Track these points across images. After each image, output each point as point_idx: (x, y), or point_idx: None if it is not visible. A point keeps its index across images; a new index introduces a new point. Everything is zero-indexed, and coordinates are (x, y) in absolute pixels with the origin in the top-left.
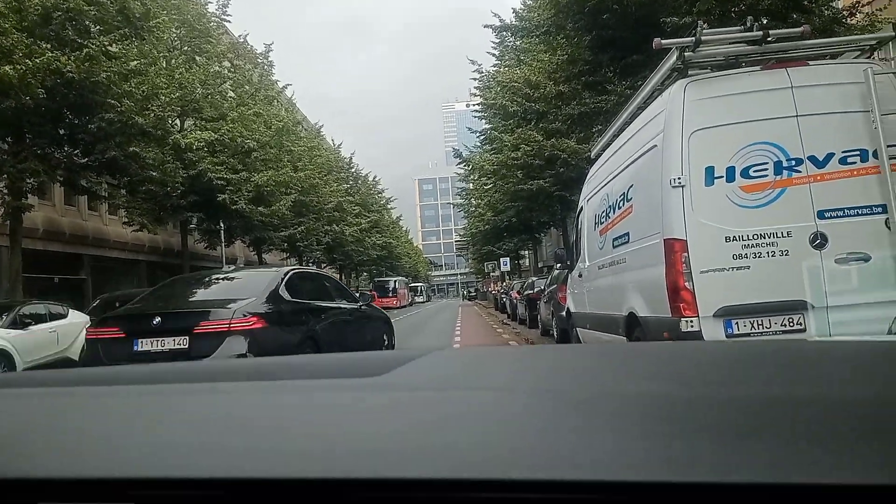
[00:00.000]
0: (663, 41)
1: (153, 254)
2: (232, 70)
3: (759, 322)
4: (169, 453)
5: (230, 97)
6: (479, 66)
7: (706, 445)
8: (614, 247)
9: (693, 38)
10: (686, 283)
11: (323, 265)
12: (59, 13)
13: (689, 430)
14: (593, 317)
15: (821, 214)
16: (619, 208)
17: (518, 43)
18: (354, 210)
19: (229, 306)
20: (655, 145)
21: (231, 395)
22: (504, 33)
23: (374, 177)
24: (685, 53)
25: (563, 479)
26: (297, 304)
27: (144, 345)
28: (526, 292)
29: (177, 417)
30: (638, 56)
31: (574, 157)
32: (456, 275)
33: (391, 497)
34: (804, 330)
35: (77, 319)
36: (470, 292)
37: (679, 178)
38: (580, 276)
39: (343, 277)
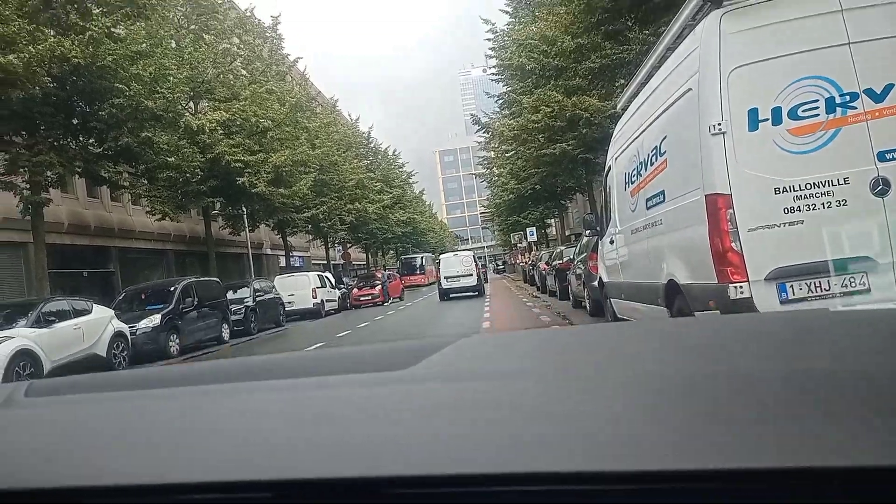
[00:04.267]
0: None
1: (180, 242)
2: (241, 46)
3: (817, 284)
4: (207, 456)
5: (242, 75)
6: (493, 25)
7: (721, 429)
8: (648, 207)
9: None
10: (732, 244)
11: (349, 245)
12: None
13: (704, 413)
14: (629, 286)
15: (881, 156)
16: (652, 164)
17: None
18: (376, 186)
19: None
20: (690, 88)
21: (257, 394)
22: None
23: (395, 150)
24: None
25: (597, 470)
26: None
27: None
28: (555, 263)
29: (206, 419)
30: None
31: (597, 115)
32: (483, 248)
33: (427, 493)
34: (868, 291)
35: (102, 314)
36: (498, 265)
37: (719, 124)
38: (612, 242)
39: (369, 256)
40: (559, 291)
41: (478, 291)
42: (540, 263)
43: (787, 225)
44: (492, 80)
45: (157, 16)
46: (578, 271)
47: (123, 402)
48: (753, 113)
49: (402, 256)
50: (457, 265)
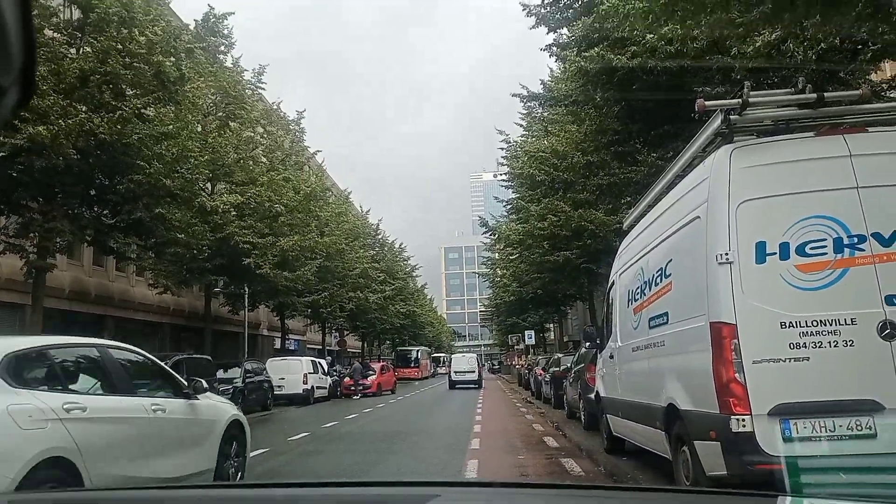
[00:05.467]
0: (707, 102)
1: (178, 316)
2: (264, 136)
3: (822, 424)
4: None
5: (262, 162)
6: (507, 135)
7: None
8: (651, 327)
9: (739, 100)
10: (736, 374)
11: (346, 332)
12: (97, 76)
13: None
14: (626, 404)
15: (889, 300)
16: (656, 285)
17: (545, 114)
18: (379, 277)
19: None
20: (698, 216)
21: None
22: (531, 104)
23: (401, 244)
24: (731, 116)
25: None
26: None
27: None
28: (551, 370)
29: None
30: (669, 127)
31: (602, 228)
32: (479, 346)
33: None
34: (874, 436)
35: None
36: (493, 365)
37: (726, 254)
38: (611, 356)
39: (366, 345)
40: (554, 399)
41: (478, 385)
42: (536, 368)
43: (792, 360)
44: (502, 186)
45: (187, 101)
46: (574, 381)
47: None
48: (761, 246)
49: (398, 348)
50: (464, 363)
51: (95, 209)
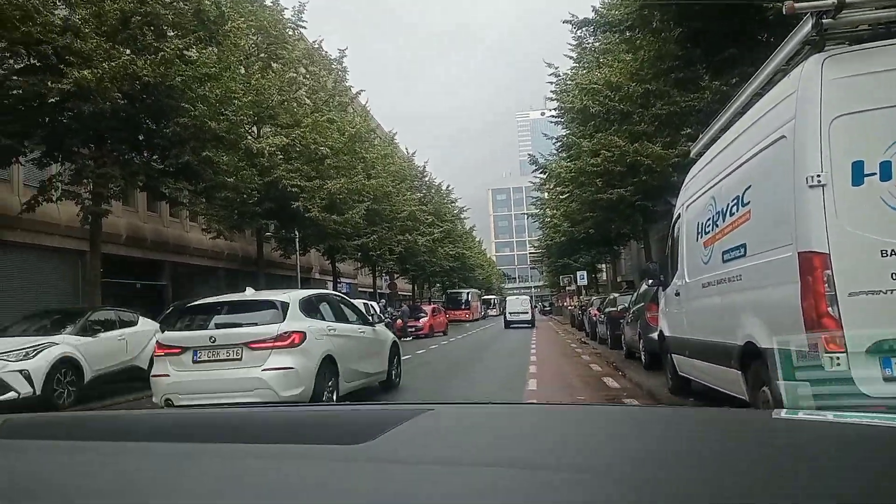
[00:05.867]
0: (797, 4)
1: (232, 261)
2: (307, 76)
3: None
4: None
5: (305, 103)
6: (556, 68)
7: None
8: (725, 261)
9: (833, 1)
10: (829, 308)
11: (396, 275)
12: (138, 17)
13: None
14: (695, 343)
15: None
16: (732, 214)
17: (597, 44)
18: (427, 219)
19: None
20: (783, 136)
21: (205, 459)
22: (582, 35)
23: (448, 186)
24: (823, 20)
25: None
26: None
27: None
28: (607, 310)
29: (146, 485)
30: (735, 50)
31: (659, 163)
32: (530, 288)
33: None
34: None
35: (147, 327)
36: (544, 306)
37: (818, 176)
38: (677, 294)
39: (416, 288)
40: (610, 340)
41: (531, 324)
42: (590, 309)
43: (894, 292)
44: (550, 122)
45: (228, 42)
46: (633, 321)
47: (87, 455)
48: (858, 166)
49: (448, 290)
50: (518, 305)
51: (144, 154)
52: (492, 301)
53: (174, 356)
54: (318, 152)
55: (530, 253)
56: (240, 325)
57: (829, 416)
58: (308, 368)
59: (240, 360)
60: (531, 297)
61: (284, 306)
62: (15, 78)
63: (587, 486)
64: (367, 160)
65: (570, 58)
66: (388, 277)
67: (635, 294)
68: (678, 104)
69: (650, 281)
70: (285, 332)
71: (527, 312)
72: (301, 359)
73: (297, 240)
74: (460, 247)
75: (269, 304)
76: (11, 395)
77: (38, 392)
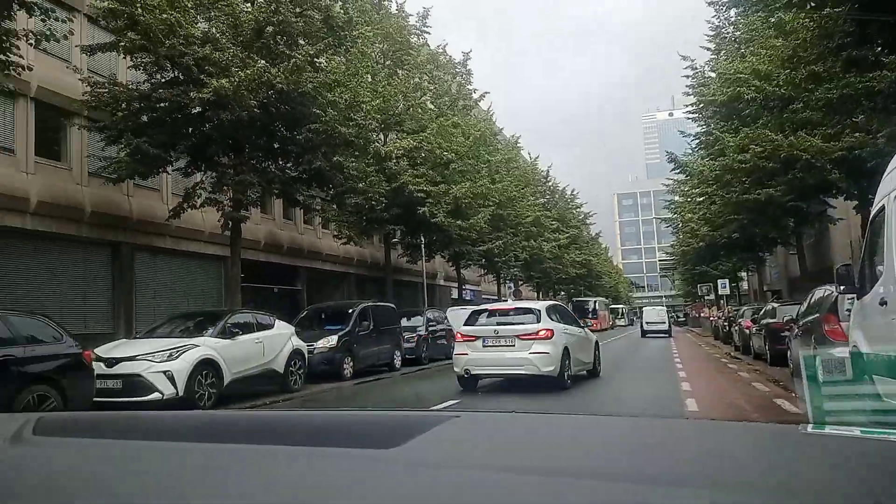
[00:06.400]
0: None
1: (361, 267)
2: (431, 81)
3: None
4: None
5: (429, 108)
6: (693, 61)
7: None
8: None
9: None
10: None
11: (520, 282)
12: (271, 27)
13: None
14: None
15: None
16: None
17: (738, 33)
18: (552, 225)
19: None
20: None
21: (238, 459)
22: (720, 24)
23: (573, 190)
24: None
25: None
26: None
27: None
28: (764, 321)
29: (178, 483)
30: None
31: (818, 157)
32: (661, 297)
33: None
34: None
35: (283, 330)
36: (678, 317)
37: None
38: (883, 303)
39: (539, 296)
40: (769, 354)
41: (668, 334)
42: (742, 320)
43: None
44: (687, 120)
45: (356, 50)
46: (803, 334)
47: (117, 451)
48: None
49: (575, 298)
50: (655, 315)
51: (280, 162)
52: (620, 311)
53: (471, 342)
54: (442, 157)
55: (660, 260)
56: (512, 324)
57: (857, 431)
58: (556, 354)
59: (513, 346)
60: (667, 310)
61: (538, 312)
62: (161, 91)
63: (609, 494)
64: (491, 164)
65: (708, 49)
66: (512, 285)
67: (806, 304)
68: (853, 86)
69: (842, 287)
70: (542, 329)
71: (664, 322)
72: (552, 347)
73: (423, 245)
74: (587, 253)
75: (529, 311)
76: (156, 395)
77: (180, 393)
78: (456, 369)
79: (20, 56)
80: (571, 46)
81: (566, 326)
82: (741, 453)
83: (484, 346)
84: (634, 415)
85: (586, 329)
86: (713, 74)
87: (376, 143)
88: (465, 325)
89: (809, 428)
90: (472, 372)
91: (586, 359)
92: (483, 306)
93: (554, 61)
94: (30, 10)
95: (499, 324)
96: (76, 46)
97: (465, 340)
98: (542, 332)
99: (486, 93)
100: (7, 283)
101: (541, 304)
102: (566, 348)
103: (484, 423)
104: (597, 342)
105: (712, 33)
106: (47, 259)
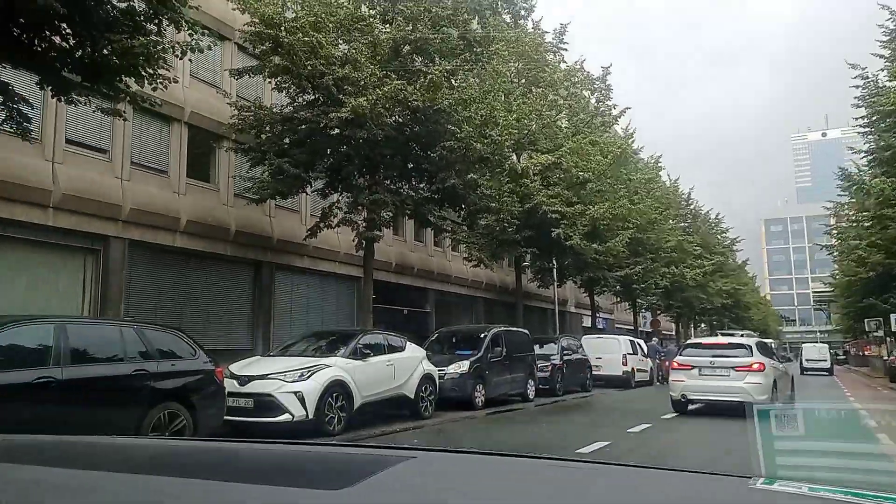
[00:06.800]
0: None
1: (489, 291)
2: (567, 98)
3: None
4: None
5: (564, 127)
6: (864, 69)
7: None
8: None
9: None
10: None
11: (658, 312)
12: (408, 45)
13: None
14: None
15: None
16: None
17: None
18: (695, 251)
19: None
20: None
21: (164, 493)
22: None
23: (717, 214)
24: None
25: None
26: None
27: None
28: None
29: None
30: None
31: None
32: (814, 332)
33: None
34: None
35: (414, 353)
36: (837, 354)
37: None
38: None
39: (679, 327)
40: None
41: (829, 372)
42: None
43: None
44: (861, 133)
45: (490, 69)
46: None
47: (73, 482)
48: None
49: (719, 331)
50: (815, 352)
51: (412, 182)
52: (769, 346)
53: (687, 370)
54: (578, 176)
55: (814, 291)
56: (726, 356)
57: (805, 487)
58: (768, 384)
59: (728, 376)
60: (829, 347)
61: (750, 347)
62: (302, 112)
63: None
64: (631, 185)
65: (881, 56)
66: (648, 314)
67: None
68: None
69: None
70: (756, 362)
71: (825, 360)
72: (764, 378)
73: (556, 270)
74: (733, 281)
75: (741, 346)
76: (286, 416)
77: (310, 416)
78: (672, 394)
79: (168, 68)
80: (712, 65)
81: (772, 360)
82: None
83: (700, 375)
84: (584, 460)
85: (785, 364)
86: (890, 83)
87: (512, 160)
88: (679, 356)
89: (759, 483)
90: (689, 397)
91: (787, 390)
92: (695, 339)
93: (695, 80)
94: (178, 24)
95: (714, 356)
96: (225, 70)
97: (681, 368)
98: (755, 365)
99: (627, 108)
100: (156, 298)
101: (751, 341)
102: (774, 381)
103: (442, 464)
104: (792, 376)
105: (886, 38)
106: (194, 276)
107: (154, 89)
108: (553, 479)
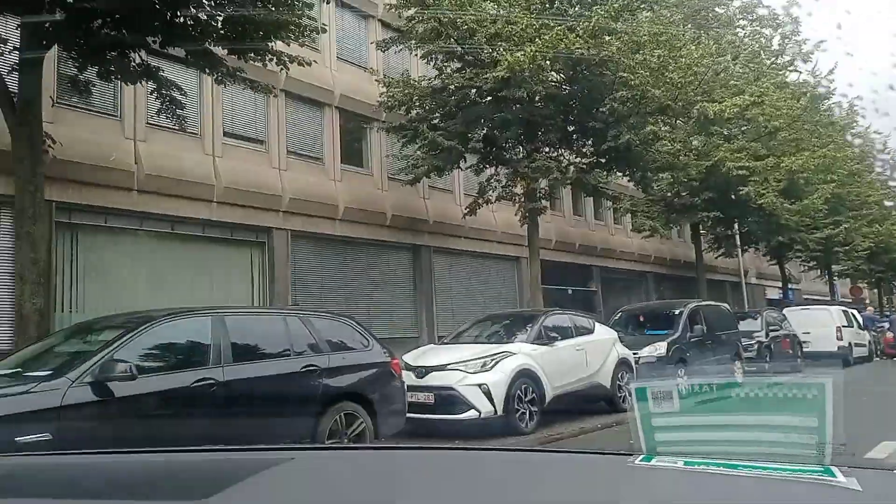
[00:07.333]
0: None
1: (659, 265)
2: (746, 37)
3: None
4: None
5: (742, 73)
6: None
7: None
8: None
9: None
10: None
11: (858, 281)
12: None
13: None
14: None
15: None
16: None
17: None
18: None
19: None
20: None
21: None
22: None
23: None
24: None
25: None
26: None
27: None
28: None
29: None
30: None
31: None
32: None
33: None
34: None
35: (605, 335)
36: None
37: None
38: None
39: (880, 292)
40: None
41: None
42: None
43: None
44: None
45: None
46: None
47: None
48: None
49: None
50: None
51: (575, 147)
52: None
53: None
54: (767, 125)
55: None
56: None
57: (680, 462)
58: None
59: None
60: None
61: None
62: (454, 76)
63: None
64: (825, 133)
65: None
66: (845, 281)
67: None
68: None
69: None
70: None
71: None
72: None
73: (739, 236)
74: None
75: None
76: (471, 413)
77: (498, 411)
78: None
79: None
80: None
81: None
82: (566, 484)
83: None
84: (469, 447)
85: None
86: None
87: (703, 104)
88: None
89: (638, 460)
90: None
91: None
92: None
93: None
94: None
95: None
96: (371, 44)
97: None
98: None
99: (822, 41)
100: (320, 288)
101: None
102: None
103: (318, 465)
104: None
105: None
106: (355, 264)
107: (301, 45)
108: (439, 466)
